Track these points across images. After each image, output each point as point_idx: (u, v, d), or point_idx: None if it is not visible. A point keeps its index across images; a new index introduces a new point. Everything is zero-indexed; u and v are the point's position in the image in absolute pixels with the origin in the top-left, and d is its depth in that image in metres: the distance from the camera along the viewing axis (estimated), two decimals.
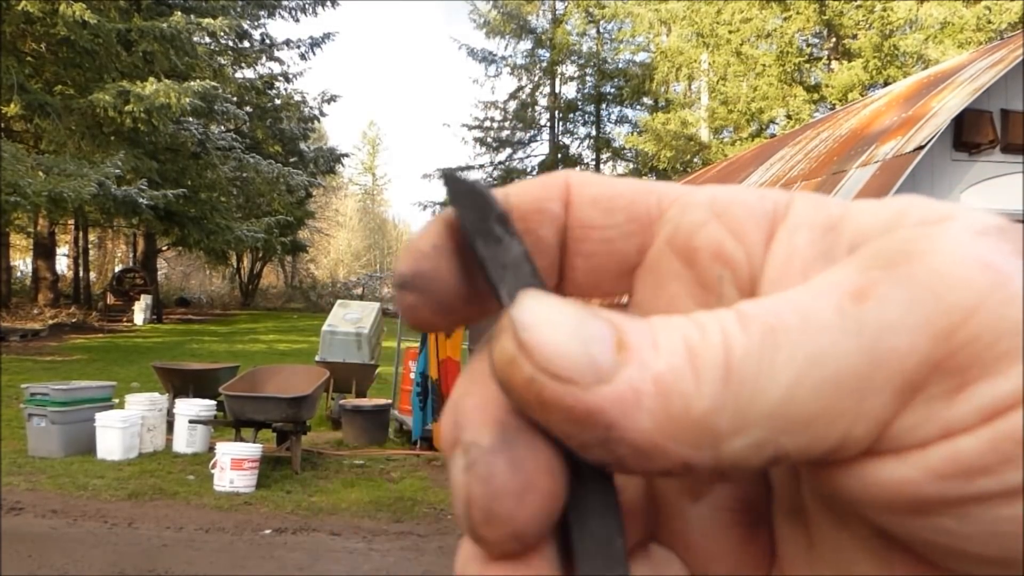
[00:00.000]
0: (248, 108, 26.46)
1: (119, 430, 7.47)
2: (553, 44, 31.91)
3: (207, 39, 23.62)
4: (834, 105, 20.61)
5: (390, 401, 9.43)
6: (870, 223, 0.19)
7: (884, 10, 20.99)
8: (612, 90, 32.85)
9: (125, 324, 23.95)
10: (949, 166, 7.75)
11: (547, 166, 33.41)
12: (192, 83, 19.77)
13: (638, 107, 32.89)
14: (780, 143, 12.83)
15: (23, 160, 16.89)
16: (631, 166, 32.48)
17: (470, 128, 34.02)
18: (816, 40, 24.89)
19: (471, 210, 0.20)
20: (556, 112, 33.56)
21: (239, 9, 25.24)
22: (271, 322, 27.16)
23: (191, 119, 21.80)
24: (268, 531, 5.66)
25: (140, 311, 24.49)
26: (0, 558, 4.85)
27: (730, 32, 23.66)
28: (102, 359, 15.90)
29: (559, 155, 33.15)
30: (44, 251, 26.70)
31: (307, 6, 28.28)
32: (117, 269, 32.15)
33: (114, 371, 13.26)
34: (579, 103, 33.53)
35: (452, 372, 8.33)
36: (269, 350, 18.67)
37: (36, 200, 16.35)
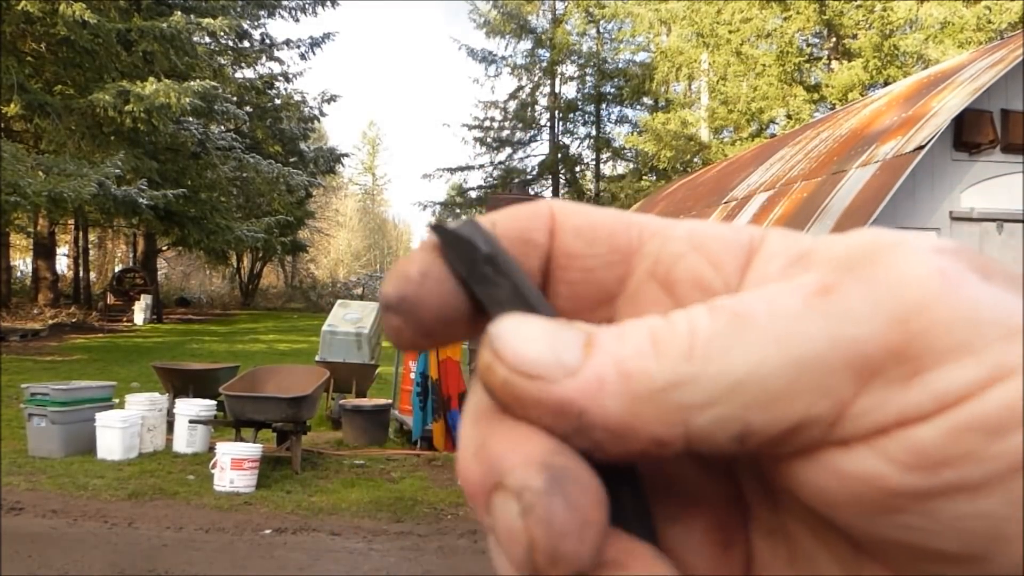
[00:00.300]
0: (248, 108, 26.45)
1: (119, 430, 7.47)
2: (553, 44, 31.91)
3: (207, 39, 23.62)
4: (834, 105, 20.60)
5: (390, 401, 9.42)
6: (837, 251, 0.20)
7: (884, 10, 20.98)
8: (612, 90, 32.84)
9: (125, 324, 23.95)
10: (949, 166, 7.76)
11: (547, 166, 33.39)
12: (192, 83, 19.76)
13: (638, 107, 32.89)
14: (780, 143, 12.83)
15: (23, 160, 16.89)
16: (631, 166, 32.48)
17: (470, 128, 34.02)
18: (816, 40, 24.89)
19: (461, 259, 0.21)
20: (556, 112, 33.55)
21: (239, 9, 25.22)
22: (271, 322, 27.16)
23: (191, 119, 21.79)
24: (268, 531, 5.66)
25: (140, 311, 24.49)
26: (0, 558, 4.85)
27: (730, 32, 23.66)
28: (102, 359, 15.90)
29: (559, 155, 33.14)
30: (44, 251, 26.69)
31: (307, 6, 28.27)
32: (117, 269, 32.14)
33: (114, 371, 13.26)
34: (579, 103, 33.52)
35: (452, 372, 8.33)
36: (269, 350, 18.67)
37: (36, 200, 16.35)
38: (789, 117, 23.48)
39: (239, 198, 26.83)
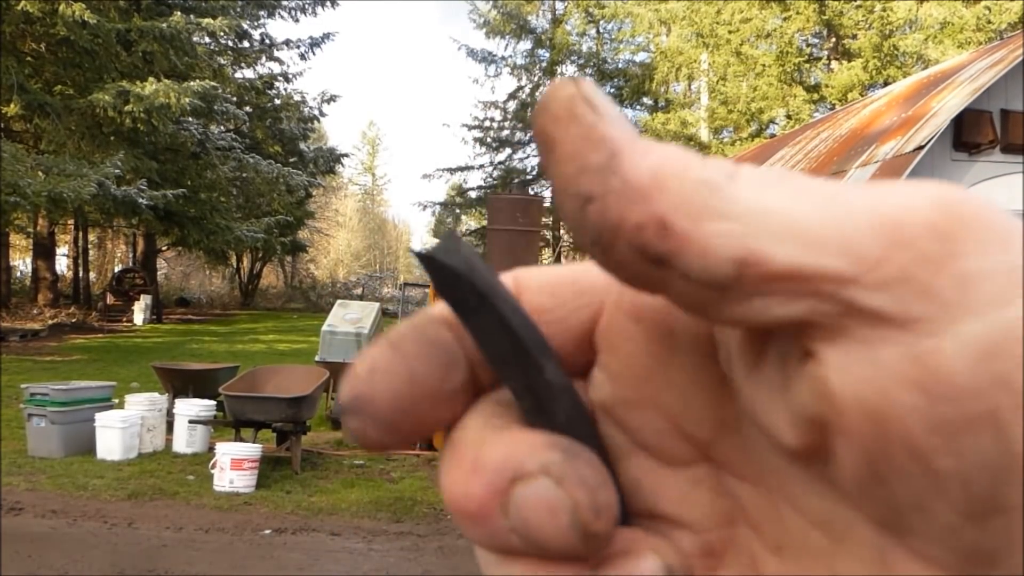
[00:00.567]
0: (248, 108, 26.44)
1: (119, 430, 7.47)
2: (553, 44, 31.91)
3: (207, 39, 23.60)
4: (834, 105, 20.61)
5: None
6: None
7: (884, 10, 20.99)
8: (612, 90, 32.81)
9: (125, 324, 23.95)
10: (949, 166, 7.76)
11: None
12: (192, 83, 19.76)
13: (638, 107, 32.89)
14: (780, 143, 12.83)
15: (23, 160, 16.89)
16: None
17: (470, 128, 34.02)
18: (816, 40, 24.91)
19: (446, 286, 0.21)
20: None
21: (239, 9, 25.22)
22: (271, 322, 27.16)
23: (191, 119, 21.79)
24: (268, 531, 5.66)
25: (140, 311, 24.48)
26: (0, 558, 4.85)
27: (730, 32, 23.67)
28: (102, 359, 15.90)
29: None
30: (44, 251, 26.69)
31: (307, 6, 28.27)
32: (117, 269, 32.14)
33: (114, 371, 13.26)
34: None
35: None
36: (269, 350, 18.66)
37: (36, 200, 16.35)
38: (789, 117, 23.49)
39: (239, 198, 26.82)
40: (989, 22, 19.51)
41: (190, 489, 6.60)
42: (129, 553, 5.12)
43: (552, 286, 0.24)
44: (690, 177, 0.18)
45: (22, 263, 35.84)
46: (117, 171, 18.43)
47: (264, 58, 28.85)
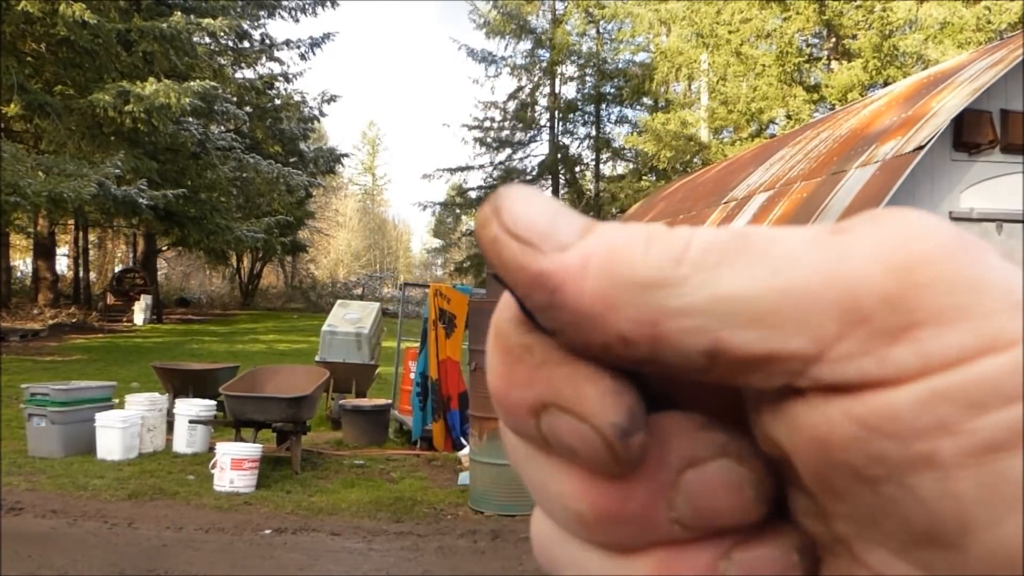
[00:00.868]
0: (248, 108, 26.44)
1: (119, 430, 7.47)
2: (553, 44, 31.90)
3: (207, 39, 23.60)
4: (834, 105, 20.61)
5: (390, 401, 9.43)
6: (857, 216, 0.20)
7: (884, 10, 20.99)
8: (612, 90, 32.83)
9: (125, 324, 23.95)
10: (949, 166, 7.76)
11: (547, 166, 33.38)
12: (192, 83, 19.77)
13: (638, 107, 32.89)
14: (780, 143, 12.83)
15: (23, 160, 16.89)
16: (631, 166, 32.48)
17: (470, 128, 34.01)
18: (816, 40, 24.90)
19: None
20: (556, 112, 33.54)
21: (239, 9, 25.22)
22: (271, 322, 27.16)
23: (191, 119, 21.79)
24: (268, 531, 5.66)
25: (140, 311, 24.48)
26: (0, 558, 4.85)
27: (730, 32, 23.66)
28: (102, 359, 15.90)
29: (559, 155, 33.14)
30: (44, 251, 26.69)
31: (307, 6, 28.26)
32: (117, 269, 32.14)
33: (114, 371, 13.26)
34: (579, 103, 33.52)
35: (452, 372, 8.33)
36: (269, 350, 18.67)
37: (36, 200, 16.35)
38: (789, 117, 23.49)
39: (239, 198, 26.82)
40: (989, 22, 19.51)
41: (190, 489, 6.60)
42: (129, 553, 5.12)
43: None
44: (637, 282, 0.18)
45: (22, 263, 35.85)
46: (117, 171, 18.43)
47: (264, 58, 28.86)
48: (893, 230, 0.17)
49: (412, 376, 8.92)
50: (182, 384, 8.90)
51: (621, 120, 33.97)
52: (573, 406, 0.19)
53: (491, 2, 32.42)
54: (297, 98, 30.24)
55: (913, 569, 0.17)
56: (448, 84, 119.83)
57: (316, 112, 31.05)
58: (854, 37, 22.53)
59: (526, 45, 33.05)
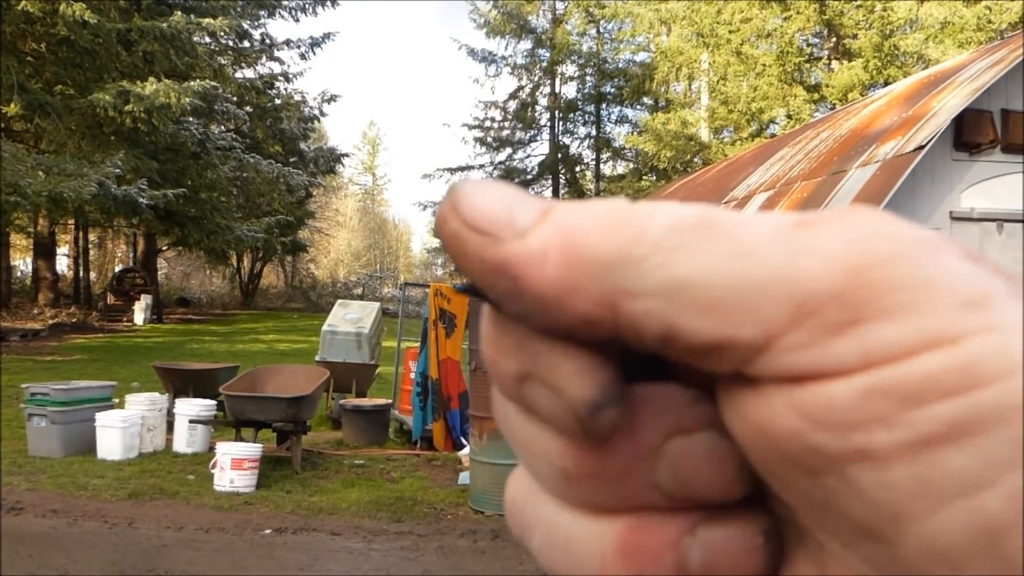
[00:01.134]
0: (248, 108, 26.44)
1: (119, 430, 7.47)
2: (553, 44, 31.90)
3: (207, 39, 23.61)
4: (834, 105, 20.61)
5: (390, 401, 9.43)
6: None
7: (884, 10, 20.99)
8: (612, 90, 32.83)
9: (125, 324, 23.95)
10: (949, 166, 7.76)
11: (547, 166, 33.38)
12: (192, 83, 19.76)
13: (638, 107, 32.88)
14: (780, 143, 12.82)
15: (23, 160, 16.89)
16: (631, 166, 32.48)
17: (470, 128, 34.01)
18: (816, 40, 24.90)
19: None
20: (556, 112, 33.54)
21: (239, 9, 25.22)
22: (271, 322, 27.16)
23: (191, 119, 21.79)
24: (268, 531, 5.66)
25: (140, 311, 24.49)
26: (0, 558, 4.85)
27: (730, 32, 23.66)
28: (102, 359, 15.90)
29: (559, 155, 33.14)
30: (44, 251, 26.70)
31: (307, 6, 28.26)
32: (117, 269, 32.14)
33: (114, 371, 13.26)
34: (579, 103, 33.52)
35: (452, 372, 8.33)
36: (269, 350, 18.67)
37: (36, 200, 16.35)
38: (789, 117, 23.49)
39: (239, 198, 26.82)
40: (989, 22, 19.51)
41: (190, 489, 6.60)
42: (129, 553, 5.12)
43: None
44: (597, 262, 0.18)
45: (22, 263, 35.85)
46: (117, 171, 18.43)
47: (264, 58, 28.86)
48: (854, 228, 0.18)
49: (412, 376, 8.91)
50: (182, 384, 8.90)
51: (621, 120, 34.01)
52: (549, 379, 0.19)
53: (491, 2, 32.43)
54: (297, 98, 30.24)
55: (860, 563, 0.18)
56: (448, 84, 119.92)
57: (316, 112, 31.05)
58: (854, 37, 22.53)
59: (526, 45, 33.09)
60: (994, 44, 10.20)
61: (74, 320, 23.02)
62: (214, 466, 6.67)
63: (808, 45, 24.73)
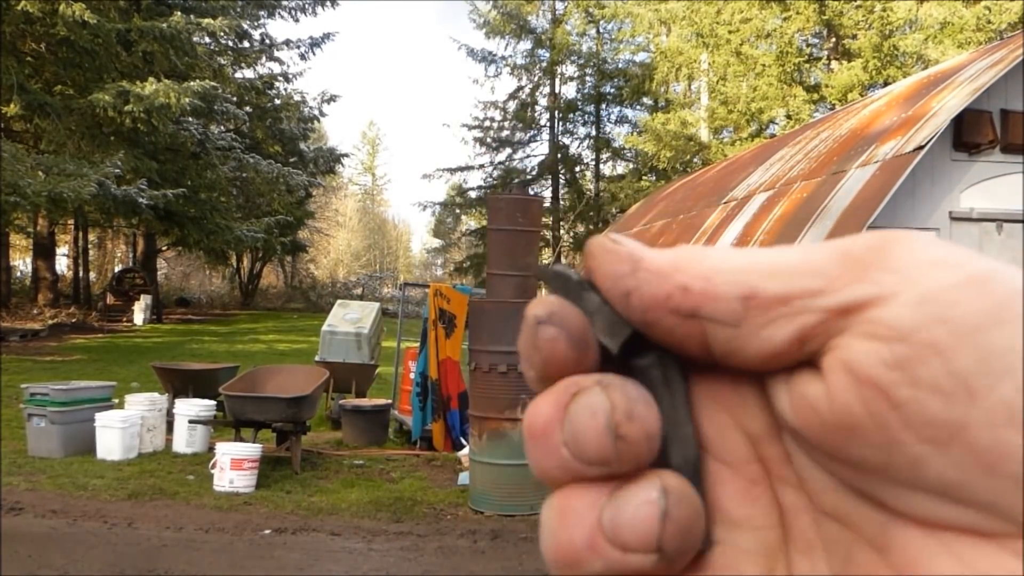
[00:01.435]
0: (248, 108, 26.42)
1: (119, 430, 7.47)
2: (553, 44, 31.88)
3: (207, 39, 23.59)
4: (834, 105, 20.60)
5: (390, 401, 9.43)
6: None
7: (884, 10, 20.97)
8: (612, 90, 32.81)
9: (125, 324, 23.95)
10: (949, 166, 7.76)
11: (547, 166, 33.37)
12: (192, 83, 19.75)
13: (638, 107, 32.86)
14: (780, 143, 12.82)
15: (23, 160, 16.88)
16: (631, 166, 32.46)
17: (470, 128, 33.98)
18: (816, 40, 24.88)
19: (557, 285, 0.26)
20: (556, 112, 33.52)
21: (239, 9, 25.21)
22: (271, 322, 27.16)
23: (191, 119, 21.78)
24: (268, 531, 5.66)
25: (140, 311, 24.48)
26: (0, 558, 4.85)
27: (730, 32, 23.65)
28: (102, 359, 15.90)
29: (559, 155, 33.12)
30: (44, 251, 26.69)
31: (307, 6, 28.24)
32: (117, 269, 32.13)
33: (114, 371, 13.26)
34: (579, 103, 33.50)
35: (452, 372, 8.33)
36: (269, 350, 18.66)
37: (36, 200, 16.34)
38: (789, 117, 23.48)
39: (239, 198, 26.82)
40: (989, 22, 19.50)
41: (190, 489, 6.60)
42: (129, 553, 5.12)
43: None
44: (696, 255, 0.24)
45: (22, 263, 35.83)
46: (117, 171, 18.42)
47: (264, 58, 28.84)
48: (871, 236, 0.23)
49: (412, 376, 8.91)
50: (182, 384, 8.90)
51: (621, 120, 33.98)
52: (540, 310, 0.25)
53: (491, 2, 32.41)
54: (297, 98, 30.21)
55: (947, 504, 0.20)
56: (448, 84, 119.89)
57: (316, 112, 31.03)
58: (854, 37, 22.51)
59: (526, 45, 33.06)
60: (994, 44, 10.20)
61: (74, 320, 23.02)
62: (214, 466, 6.67)
63: (808, 45, 24.72)
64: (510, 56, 33.26)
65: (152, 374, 9.79)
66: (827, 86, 22.74)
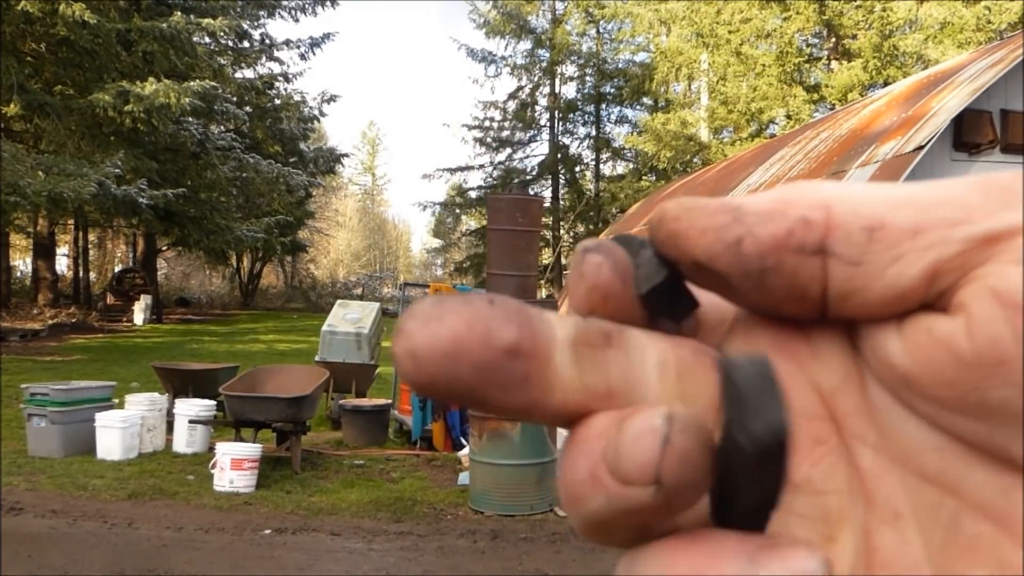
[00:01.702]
0: (248, 108, 26.44)
1: (119, 430, 7.47)
2: (553, 44, 31.89)
3: (207, 39, 23.61)
4: (834, 105, 20.60)
5: (390, 401, 9.43)
6: None
7: (884, 10, 20.98)
8: (612, 90, 32.81)
9: (125, 324, 23.95)
10: (949, 166, 7.76)
11: (547, 166, 33.37)
12: (192, 83, 19.77)
13: (638, 107, 32.86)
14: (780, 143, 12.83)
15: (23, 160, 16.89)
16: (631, 166, 32.47)
17: (470, 128, 33.99)
18: (816, 40, 24.89)
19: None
20: (556, 112, 33.53)
21: (239, 9, 25.22)
22: (271, 322, 27.16)
23: (191, 119, 21.79)
24: (268, 531, 5.66)
25: (140, 311, 24.48)
26: (0, 558, 4.85)
27: (730, 32, 23.66)
28: (102, 359, 15.90)
29: (559, 155, 33.12)
30: (44, 251, 26.69)
31: (307, 6, 28.26)
32: (117, 269, 32.14)
33: (114, 371, 13.26)
34: (579, 103, 33.50)
35: None
36: (269, 350, 18.67)
37: (36, 200, 16.35)
38: (789, 117, 23.48)
39: (239, 198, 26.83)
40: (989, 22, 19.50)
41: (190, 489, 6.60)
42: (129, 553, 5.12)
43: None
44: (805, 188, 0.21)
45: (22, 263, 35.85)
46: (117, 171, 18.43)
47: (264, 58, 28.84)
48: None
49: None
50: (182, 384, 8.90)
51: (621, 120, 33.98)
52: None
53: (491, 2, 32.41)
54: (297, 98, 30.22)
55: None
56: (448, 84, 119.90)
57: (316, 112, 31.04)
58: (854, 37, 22.52)
59: (526, 45, 33.06)
60: (994, 44, 10.21)
61: (74, 320, 23.02)
62: (214, 466, 6.67)
63: (808, 45, 24.72)
64: (510, 56, 33.29)
65: (152, 374, 9.79)
66: (827, 86, 22.74)
